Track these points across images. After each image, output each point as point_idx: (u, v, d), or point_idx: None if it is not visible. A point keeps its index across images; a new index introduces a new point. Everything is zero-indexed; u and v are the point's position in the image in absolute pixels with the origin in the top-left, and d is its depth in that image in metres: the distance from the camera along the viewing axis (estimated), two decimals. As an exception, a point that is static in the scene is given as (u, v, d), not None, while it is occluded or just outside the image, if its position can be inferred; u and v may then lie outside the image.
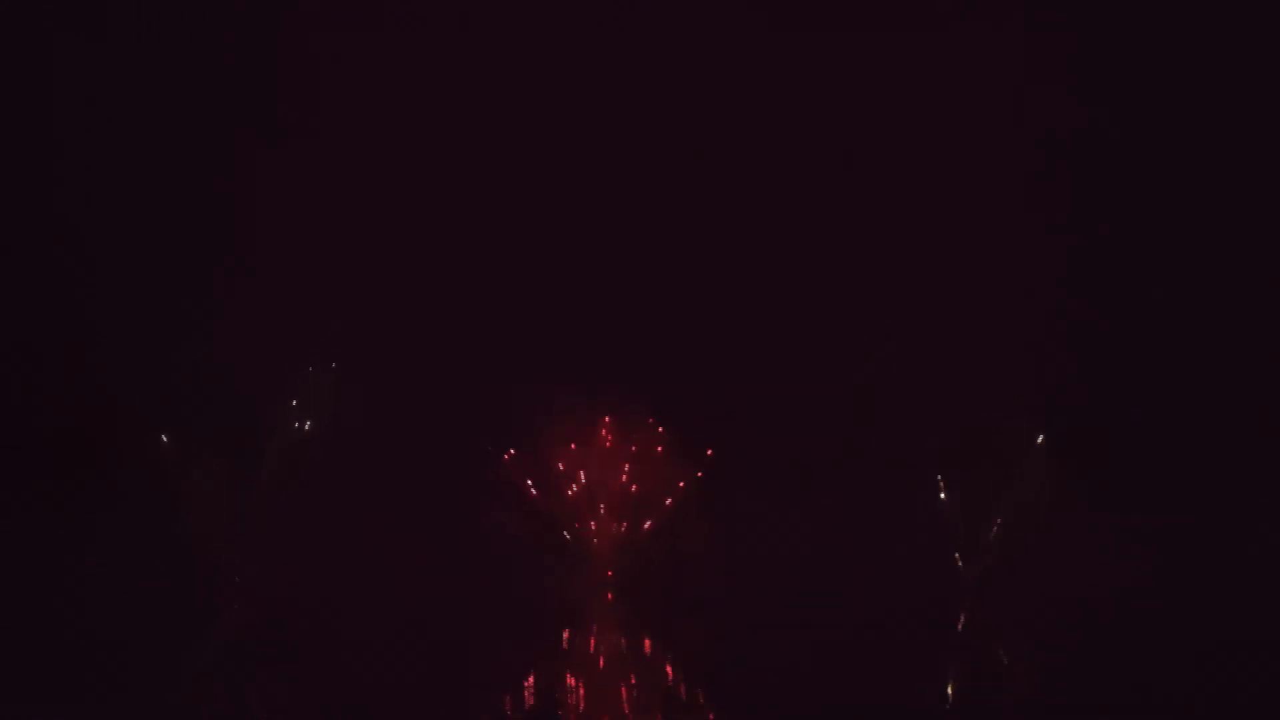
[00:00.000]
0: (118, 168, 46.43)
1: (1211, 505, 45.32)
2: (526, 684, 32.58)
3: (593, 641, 42.04)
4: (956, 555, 47.38)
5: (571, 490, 50.17)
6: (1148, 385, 46.08)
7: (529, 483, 49.81)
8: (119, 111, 46.47)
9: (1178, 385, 45.63)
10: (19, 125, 45.69)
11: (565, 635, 42.13)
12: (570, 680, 34.01)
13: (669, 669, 36.66)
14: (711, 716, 29.70)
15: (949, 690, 33.12)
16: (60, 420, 46.50)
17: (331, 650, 37.36)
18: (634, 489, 50.13)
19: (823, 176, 47.81)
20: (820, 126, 47.70)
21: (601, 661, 37.73)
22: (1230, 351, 45.73)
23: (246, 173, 46.60)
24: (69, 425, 46.38)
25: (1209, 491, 45.29)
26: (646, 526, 50.25)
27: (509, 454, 49.77)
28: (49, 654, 35.05)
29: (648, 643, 41.73)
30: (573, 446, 49.92)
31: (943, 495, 47.48)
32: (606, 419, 49.91)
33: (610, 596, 49.91)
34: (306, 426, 47.68)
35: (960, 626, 43.63)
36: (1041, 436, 46.82)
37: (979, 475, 47.27)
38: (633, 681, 34.15)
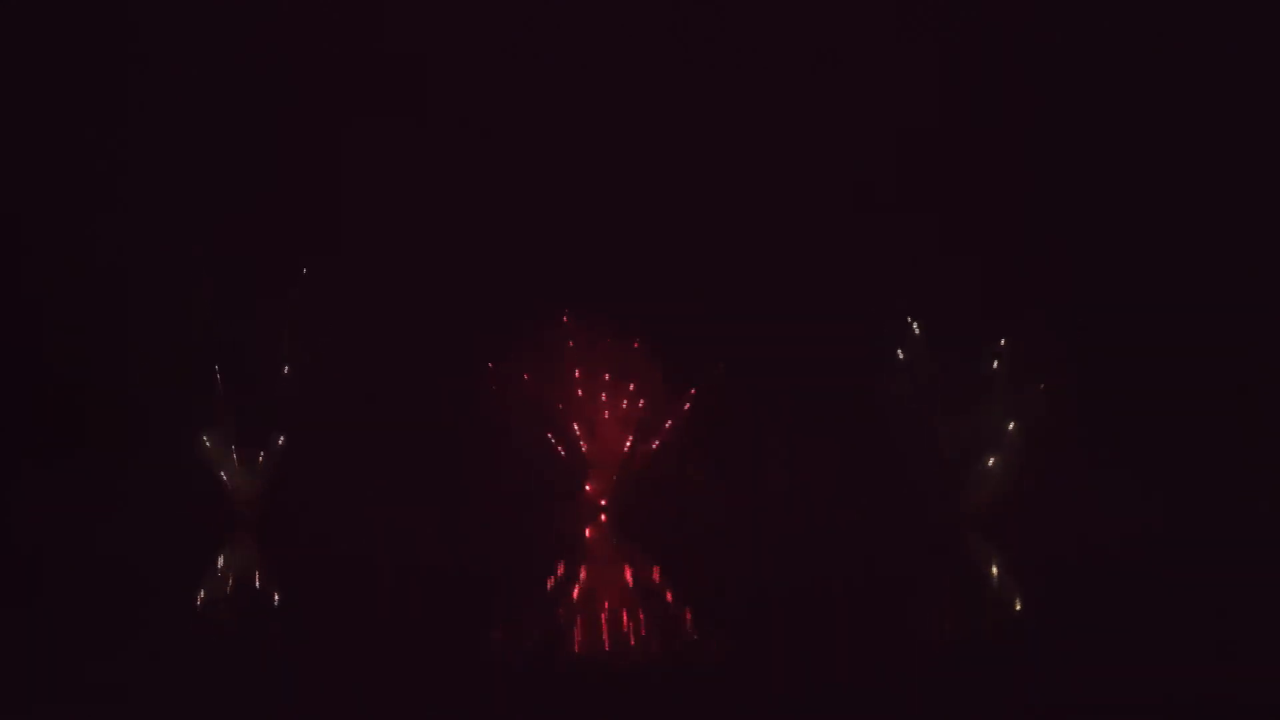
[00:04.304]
0: (127, 154, 46.51)
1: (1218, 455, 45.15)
2: (527, 612, 32.69)
3: (589, 570, 42.14)
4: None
5: (567, 415, 50.31)
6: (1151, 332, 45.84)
7: (526, 408, 49.75)
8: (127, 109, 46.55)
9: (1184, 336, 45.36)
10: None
11: (562, 564, 42.15)
12: (570, 609, 34.13)
13: (669, 596, 36.77)
14: (711, 641, 29.77)
15: (945, 618, 33.27)
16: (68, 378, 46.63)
17: (325, 583, 37.16)
18: (638, 408, 50.04)
19: (827, 101, 47.53)
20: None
21: (600, 589, 37.90)
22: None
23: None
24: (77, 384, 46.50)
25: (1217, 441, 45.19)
26: (649, 445, 50.24)
27: (492, 367, 49.54)
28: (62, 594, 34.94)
29: (648, 572, 41.87)
30: (576, 373, 49.92)
31: (940, 427, 47.63)
32: (605, 337, 49.78)
33: (605, 520, 50.09)
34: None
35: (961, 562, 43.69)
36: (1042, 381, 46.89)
37: (979, 409, 47.39)
38: (633, 611, 34.19)
